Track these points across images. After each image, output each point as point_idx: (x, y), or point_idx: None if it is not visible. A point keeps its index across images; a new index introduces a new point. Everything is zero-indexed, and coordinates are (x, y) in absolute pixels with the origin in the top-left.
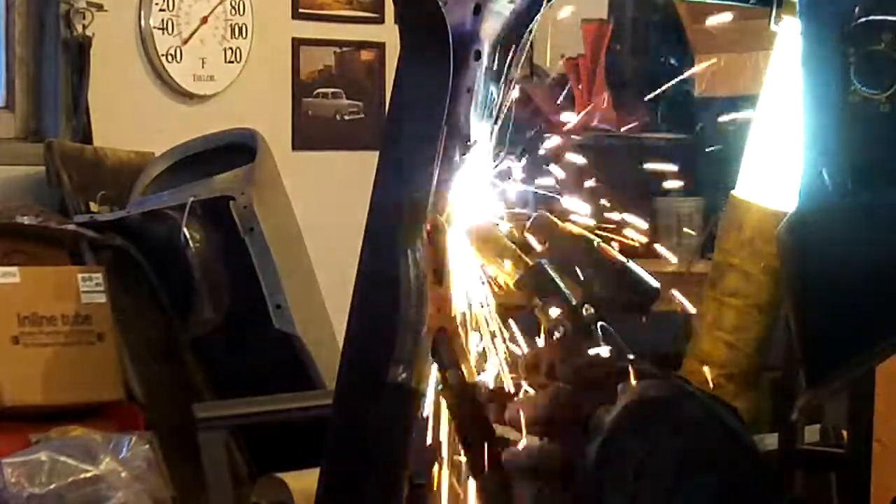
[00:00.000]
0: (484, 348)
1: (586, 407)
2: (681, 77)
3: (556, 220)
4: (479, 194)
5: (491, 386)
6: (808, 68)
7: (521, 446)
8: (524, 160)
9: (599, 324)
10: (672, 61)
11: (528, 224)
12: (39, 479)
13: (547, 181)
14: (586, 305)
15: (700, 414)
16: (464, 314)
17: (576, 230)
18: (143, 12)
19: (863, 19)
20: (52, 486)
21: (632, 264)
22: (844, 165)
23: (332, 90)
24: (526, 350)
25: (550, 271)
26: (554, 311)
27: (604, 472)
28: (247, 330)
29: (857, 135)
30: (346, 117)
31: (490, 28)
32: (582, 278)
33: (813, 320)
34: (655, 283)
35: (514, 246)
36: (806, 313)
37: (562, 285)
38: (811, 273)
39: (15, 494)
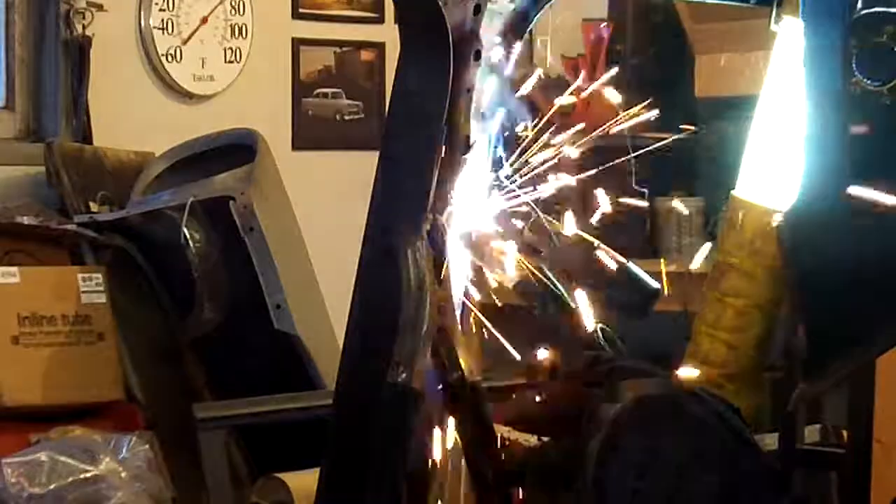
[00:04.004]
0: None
1: (588, 405)
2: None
3: (555, 223)
4: (479, 195)
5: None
6: (810, 61)
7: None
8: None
9: (599, 325)
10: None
11: (527, 229)
12: (39, 479)
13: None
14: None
15: (703, 413)
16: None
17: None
18: (143, 12)
19: (865, 11)
20: (52, 486)
21: (631, 265)
22: (845, 158)
23: (332, 90)
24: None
25: (550, 275)
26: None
27: (605, 470)
28: (247, 330)
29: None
30: (346, 117)
31: (490, 28)
32: (582, 281)
33: (812, 312)
34: (655, 284)
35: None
36: (805, 305)
37: (562, 289)
38: (810, 265)
39: (15, 494)
